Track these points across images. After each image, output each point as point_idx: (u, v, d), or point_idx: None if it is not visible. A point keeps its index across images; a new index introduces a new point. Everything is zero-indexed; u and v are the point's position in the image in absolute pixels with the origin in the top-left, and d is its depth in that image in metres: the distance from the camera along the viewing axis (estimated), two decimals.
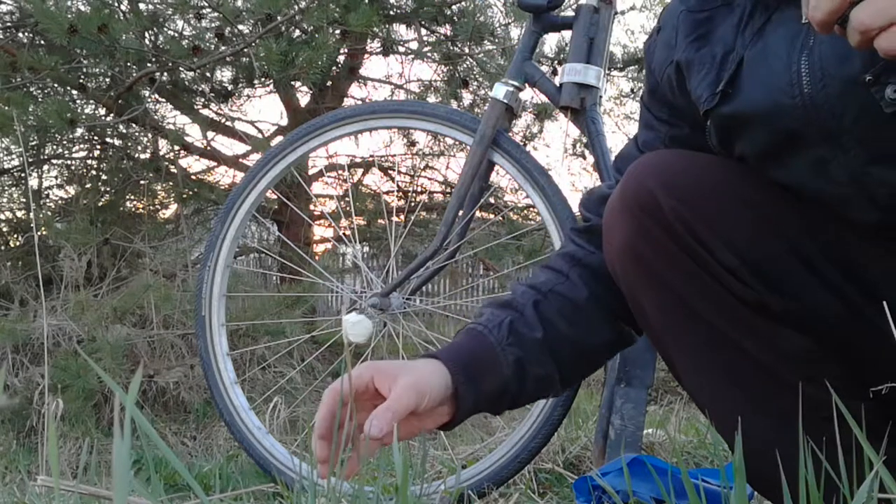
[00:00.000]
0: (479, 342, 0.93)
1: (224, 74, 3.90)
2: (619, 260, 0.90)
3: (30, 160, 3.76)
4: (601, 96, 1.54)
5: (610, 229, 0.91)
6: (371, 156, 4.79)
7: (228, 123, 4.19)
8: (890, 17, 0.60)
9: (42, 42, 3.55)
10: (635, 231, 0.87)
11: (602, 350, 1.03)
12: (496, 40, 4.04)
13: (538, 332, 0.95)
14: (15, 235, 4.14)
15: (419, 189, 4.98)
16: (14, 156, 4.02)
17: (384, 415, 0.79)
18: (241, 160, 4.27)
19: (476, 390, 0.90)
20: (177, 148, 4.02)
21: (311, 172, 4.26)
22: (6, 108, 3.10)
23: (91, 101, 3.80)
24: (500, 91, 1.57)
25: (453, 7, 3.91)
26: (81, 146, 4.10)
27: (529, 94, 3.48)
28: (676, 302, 0.86)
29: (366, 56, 4.36)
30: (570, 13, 1.55)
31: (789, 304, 0.83)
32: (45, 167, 4.14)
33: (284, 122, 4.39)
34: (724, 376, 0.87)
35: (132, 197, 4.13)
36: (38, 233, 3.44)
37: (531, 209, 4.25)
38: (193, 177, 4.26)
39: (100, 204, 3.85)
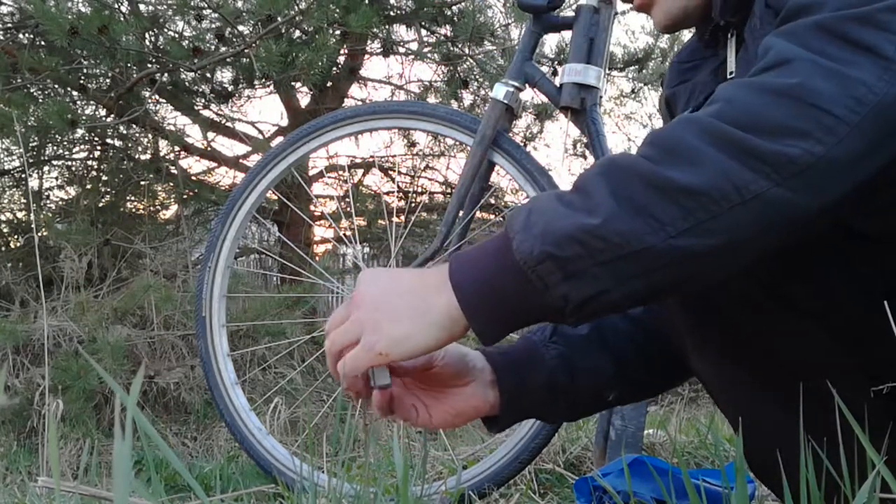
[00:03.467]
0: (522, 341, 0.95)
1: (224, 75, 3.89)
2: None
3: (30, 161, 3.76)
4: (601, 97, 1.55)
5: None
6: (371, 156, 4.79)
7: (229, 124, 4.18)
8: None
9: (42, 43, 3.55)
10: None
11: (663, 358, 0.96)
12: (496, 41, 4.04)
13: (584, 329, 0.95)
14: (15, 236, 4.13)
15: (419, 190, 4.97)
16: (14, 157, 4.02)
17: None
18: (241, 161, 4.26)
19: (516, 377, 0.90)
20: (177, 149, 4.02)
21: (311, 173, 4.25)
22: (7, 108, 3.10)
23: (91, 102, 3.80)
24: (500, 91, 1.57)
25: (453, 7, 3.91)
26: (82, 147, 4.10)
27: (529, 95, 3.49)
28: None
29: (366, 57, 4.35)
30: (570, 13, 1.55)
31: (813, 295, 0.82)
32: (46, 168, 4.14)
33: (285, 122, 4.39)
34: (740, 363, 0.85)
35: (133, 198, 4.13)
36: (39, 234, 3.44)
37: None
38: (194, 177, 4.26)
39: (100, 205, 3.85)
